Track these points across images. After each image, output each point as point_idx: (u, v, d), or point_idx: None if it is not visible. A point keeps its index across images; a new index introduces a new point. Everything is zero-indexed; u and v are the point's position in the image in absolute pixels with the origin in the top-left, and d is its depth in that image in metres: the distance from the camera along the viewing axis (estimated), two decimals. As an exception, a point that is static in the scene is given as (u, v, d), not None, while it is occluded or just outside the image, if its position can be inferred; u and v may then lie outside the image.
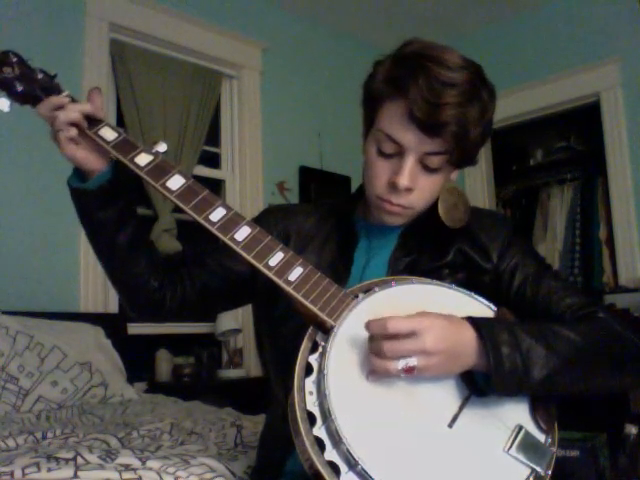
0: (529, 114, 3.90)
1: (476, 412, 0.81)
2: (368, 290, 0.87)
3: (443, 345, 0.76)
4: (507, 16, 3.90)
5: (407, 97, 0.86)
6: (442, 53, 0.88)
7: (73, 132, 0.91)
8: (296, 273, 0.85)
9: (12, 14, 2.66)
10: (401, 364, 0.75)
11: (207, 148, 3.39)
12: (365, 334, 0.79)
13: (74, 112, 0.91)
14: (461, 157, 0.92)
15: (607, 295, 3.34)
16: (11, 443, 1.35)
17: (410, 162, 0.90)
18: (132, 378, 2.49)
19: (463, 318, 0.82)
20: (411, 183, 0.91)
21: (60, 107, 0.92)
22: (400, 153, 0.91)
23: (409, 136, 0.88)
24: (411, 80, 0.86)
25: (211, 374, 3.07)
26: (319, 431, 0.74)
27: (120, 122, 2.97)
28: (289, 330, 0.96)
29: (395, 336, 0.75)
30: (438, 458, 0.75)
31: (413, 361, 0.75)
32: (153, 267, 1.01)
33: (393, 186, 0.92)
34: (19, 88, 0.94)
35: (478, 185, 4.05)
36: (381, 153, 0.93)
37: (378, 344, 0.76)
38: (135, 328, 2.80)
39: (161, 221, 3.02)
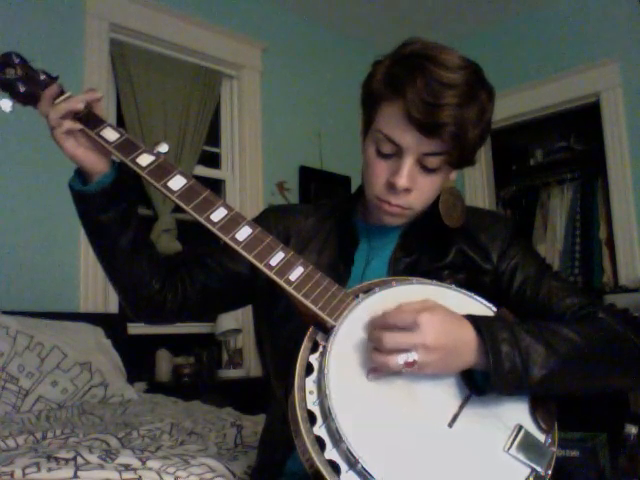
0: (529, 114, 3.90)
1: (476, 412, 0.81)
2: (369, 290, 0.87)
3: (444, 340, 0.76)
4: (507, 16, 3.90)
5: (405, 98, 0.86)
6: (441, 53, 0.88)
7: (67, 124, 0.91)
8: (297, 273, 0.85)
9: (12, 14, 2.66)
10: (401, 358, 0.75)
11: (207, 148, 3.39)
12: (366, 334, 0.79)
13: (64, 104, 0.92)
14: (460, 158, 0.92)
15: (607, 295, 3.33)
16: (11, 443, 1.35)
17: (408, 163, 0.90)
18: (132, 378, 2.49)
19: (463, 316, 0.82)
20: (410, 183, 0.91)
21: (57, 96, 0.93)
22: (399, 153, 0.91)
23: (407, 137, 0.88)
24: (409, 80, 0.86)
25: (211, 374, 3.07)
26: (319, 430, 0.74)
27: (120, 122, 2.97)
28: (289, 330, 0.96)
29: (396, 328, 0.75)
30: (438, 458, 0.75)
31: (413, 355, 0.75)
32: (154, 268, 1.01)
33: (392, 186, 0.92)
34: (21, 89, 0.95)
35: (478, 185, 4.05)
36: (380, 153, 0.93)
37: (378, 334, 0.76)
38: (135, 328, 2.80)
39: (161, 221, 3.02)
